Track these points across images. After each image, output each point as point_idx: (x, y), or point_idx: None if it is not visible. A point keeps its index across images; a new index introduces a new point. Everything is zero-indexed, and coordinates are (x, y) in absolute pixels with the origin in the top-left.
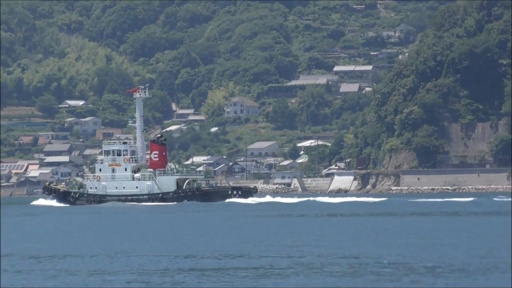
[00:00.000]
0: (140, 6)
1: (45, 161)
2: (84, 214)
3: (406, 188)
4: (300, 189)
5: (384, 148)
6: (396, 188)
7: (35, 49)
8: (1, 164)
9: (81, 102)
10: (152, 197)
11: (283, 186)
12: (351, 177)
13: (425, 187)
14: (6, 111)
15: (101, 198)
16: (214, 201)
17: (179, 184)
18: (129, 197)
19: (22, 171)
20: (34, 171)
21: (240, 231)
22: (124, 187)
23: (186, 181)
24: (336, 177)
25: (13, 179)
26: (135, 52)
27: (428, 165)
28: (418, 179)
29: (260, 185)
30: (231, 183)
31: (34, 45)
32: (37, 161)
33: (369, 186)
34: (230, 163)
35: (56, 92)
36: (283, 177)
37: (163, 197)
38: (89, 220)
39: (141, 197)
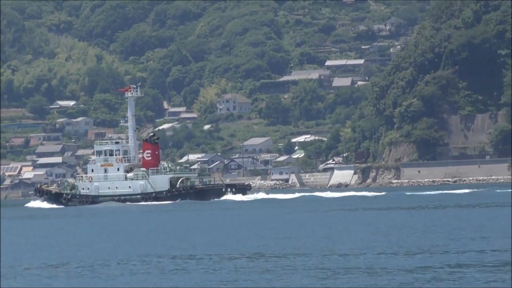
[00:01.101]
0: (129, 4)
1: (37, 162)
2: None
3: (406, 181)
4: (298, 185)
5: (384, 141)
6: (396, 181)
7: (25, 50)
8: None
9: (72, 103)
10: (145, 196)
11: (281, 182)
12: (351, 171)
13: (425, 180)
14: None
15: (93, 199)
16: (209, 199)
17: (172, 182)
18: (122, 197)
19: (16, 173)
20: (28, 173)
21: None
22: (117, 187)
23: (180, 180)
24: (336, 171)
25: (7, 182)
26: (125, 51)
27: (428, 158)
28: (419, 171)
29: (257, 181)
30: (228, 180)
31: (24, 46)
32: (30, 163)
33: (369, 180)
34: (225, 160)
35: (46, 93)
36: (280, 173)
37: (156, 196)
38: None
39: (135, 196)
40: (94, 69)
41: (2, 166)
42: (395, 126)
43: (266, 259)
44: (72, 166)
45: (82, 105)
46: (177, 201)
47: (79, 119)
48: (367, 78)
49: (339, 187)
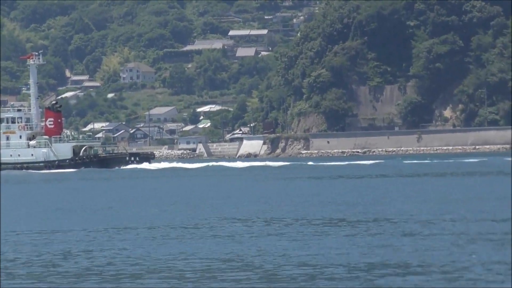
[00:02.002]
0: None
1: None
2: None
3: (316, 151)
4: (205, 155)
5: (292, 111)
6: (306, 152)
7: None
8: None
9: None
10: (48, 164)
11: (188, 151)
12: (261, 141)
13: (335, 151)
14: None
15: None
16: (112, 168)
17: (75, 151)
18: (25, 165)
19: None
20: None
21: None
22: (19, 155)
23: (83, 148)
24: (245, 141)
25: None
26: (26, 19)
27: (338, 128)
28: (328, 142)
29: (164, 150)
30: (134, 150)
31: None
32: None
33: (278, 150)
34: (130, 130)
35: None
36: (188, 143)
37: (59, 164)
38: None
39: (37, 164)
40: None
41: None
42: (304, 96)
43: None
44: None
45: None
46: (81, 169)
47: None
48: (270, 48)
49: (248, 157)
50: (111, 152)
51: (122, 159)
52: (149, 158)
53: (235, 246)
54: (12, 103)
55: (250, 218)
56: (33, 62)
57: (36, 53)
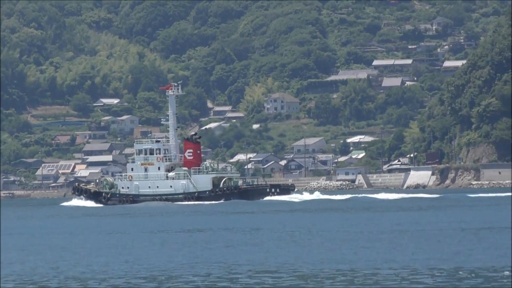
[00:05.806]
0: (170, 2)
1: (88, 160)
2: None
3: (487, 182)
4: (365, 185)
5: (460, 141)
6: (476, 182)
7: (66, 47)
8: (47, 164)
9: (116, 101)
10: (188, 196)
11: (347, 182)
12: (429, 172)
13: (507, 181)
14: (40, 111)
15: (134, 198)
16: (253, 199)
17: (215, 182)
18: (164, 197)
19: (69, 171)
20: (83, 171)
21: None
22: (157, 187)
23: (223, 180)
24: (412, 172)
25: (61, 179)
26: (166, 49)
27: (509, 159)
28: (499, 173)
29: (322, 181)
30: (290, 181)
31: (64, 43)
32: (79, 161)
33: (448, 181)
34: (280, 161)
35: (90, 90)
36: (346, 173)
37: (199, 196)
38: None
39: (177, 196)
40: (137, 66)
41: (55, 164)
42: (472, 126)
43: None
44: (123, 164)
45: (126, 103)
46: (221, 201)
47: (125, 117)
48: (415, 78)
49: (416, 188)
50: (251, 183)
51: (263, 191)
52: (290, 189)
53: None
54: (155, 134)
55: None
56: (172, 93)
57: (175, 84)
